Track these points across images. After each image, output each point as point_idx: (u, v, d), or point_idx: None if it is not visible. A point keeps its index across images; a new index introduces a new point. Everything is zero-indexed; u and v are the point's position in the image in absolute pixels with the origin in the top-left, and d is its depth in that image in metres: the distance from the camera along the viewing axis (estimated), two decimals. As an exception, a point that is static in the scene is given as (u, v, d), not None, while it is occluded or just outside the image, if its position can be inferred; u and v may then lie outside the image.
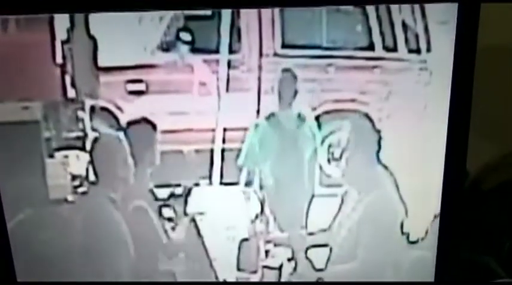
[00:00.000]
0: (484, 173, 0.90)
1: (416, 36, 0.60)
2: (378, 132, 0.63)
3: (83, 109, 0.59)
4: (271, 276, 0.66)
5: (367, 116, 0.62)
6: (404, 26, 0.60)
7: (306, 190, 0.64)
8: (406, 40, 0.60)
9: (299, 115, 0.60)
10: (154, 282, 0.65)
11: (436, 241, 0.67)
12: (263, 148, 0.61)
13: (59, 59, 0.58)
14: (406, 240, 0.66)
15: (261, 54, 0.59)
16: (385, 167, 0.64)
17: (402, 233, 0.66)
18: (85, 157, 0.61)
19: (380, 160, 0.64)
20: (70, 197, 0.62)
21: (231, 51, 0.59)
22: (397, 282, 0.67)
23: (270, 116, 0.60)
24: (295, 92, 0.60)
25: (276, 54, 0.59)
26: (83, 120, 0.60)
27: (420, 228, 0.66)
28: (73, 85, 0.58)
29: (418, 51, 0.61)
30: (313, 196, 0.64)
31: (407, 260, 0.67)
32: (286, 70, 0.59)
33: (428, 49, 0.61)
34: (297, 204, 0.64)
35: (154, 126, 0.60)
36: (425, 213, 0.66)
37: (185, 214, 0.63)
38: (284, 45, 0.59)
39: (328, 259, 0.66)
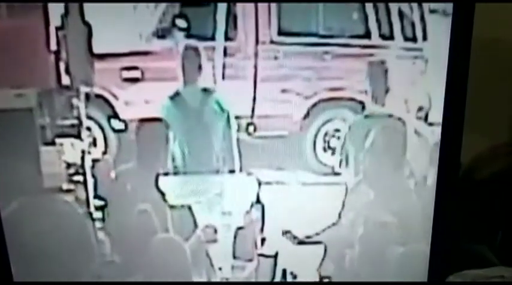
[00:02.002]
0: (476, 164, 0.90)
1: (413, 25, 0.60)
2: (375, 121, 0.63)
3: (77, 96, 0.59)
4: (266, 264, 0.67)
5: (362, 104, 0.62)
6: (400, 14, 0.60)
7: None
8: (403, 28, 0.60)
9: (204, 90, 0.60)
10: (154, 282, 0.65)
11: (431, 230, 0.67)
12: (175, 125, 0.60)
13: (53, 46, 0.57)
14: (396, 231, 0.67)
15: (257, 42, 0.59)
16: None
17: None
18: (80, 145, 0.60)
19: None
20: (65, 186, 0.61)
21: (227, 38, 0.58)
22: (397, 282, 0.68)
23: (175, 95, 0.59)
24: (200, 68, 0.59)
25: (272, 42, 0.59)
26: (77, 108, 0.59)
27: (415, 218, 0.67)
28: (67, 72, 0.58)
29: (414, 39, 0.61)
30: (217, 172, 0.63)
31: (401, 250, 0.67)
32: (189, 47, 0.58)
33: (425, 38, 0.61)
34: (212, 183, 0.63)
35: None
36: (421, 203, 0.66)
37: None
38: (280, 33, 0.59)
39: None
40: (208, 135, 0.60)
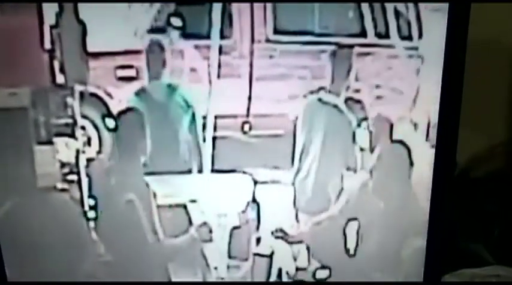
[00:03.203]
0: (472, 163, 0.90)
1: (409, 23, 0.60)
2: (366, 119, 0.63)
3: (72, 95, 0.58)
4: (262, 263, 0.66)
5: (359, 102, 0.62)
6: (396, 12, 0.60)
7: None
8: (398, 27, 0.60)
9: (169, 86, 0.59)
10: (154, 282, 0.65)
11: (427, 229, 0.67)
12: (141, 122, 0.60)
13: (47, 44, 0.57)
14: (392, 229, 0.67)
15: (252, 40, 0.59)
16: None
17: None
18: (74, 144, 0.60)
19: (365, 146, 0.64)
20: (59, 185, 0.61)
21: (223, 36, 0.58)
22: (393, 282, 0.68)
23: (140, 91, 0.59)
24: (164, 63, 0.58)
25: (268, 40, 0.59)
26: (72, 107, 0.59)
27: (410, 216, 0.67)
28: (62, 71, 0.58)
29: (410, 38, 0.61)
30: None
31: (398, 248, 0.67)
32: (153, 42, 0.57)
33: (420, 36, 0.61)
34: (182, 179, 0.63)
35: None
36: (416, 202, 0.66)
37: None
38: (276, 31, 0.59)
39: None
40: (174, 131, 0.60)
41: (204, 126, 0.60)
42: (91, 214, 0.62)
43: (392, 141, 0.64)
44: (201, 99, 0.60)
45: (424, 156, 0.65)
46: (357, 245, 0.67)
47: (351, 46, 0.60)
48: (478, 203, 0.84)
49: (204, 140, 0.61)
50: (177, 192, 0.63)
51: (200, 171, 0.62)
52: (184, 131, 0.60)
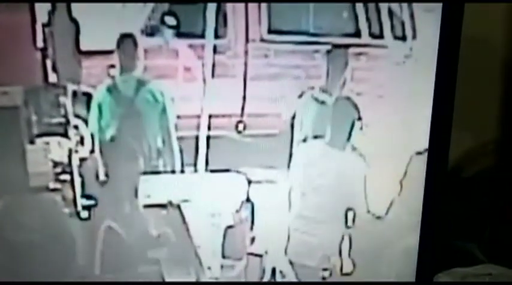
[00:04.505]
0: (464, 161, 0.91)
1: (402, 24, 0.61)
2: (360, 119, 0.63)
3: (64, 94, 0.58)
4: (256, 263, 0.66)
5: (351, 102, 0.62)
6: (390, 13, 0.60)
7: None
8: (392, 27, 0.60)
9: (139, 81, 0.58)
10: (154, 282, 0.64)
11: (419, 228, 0.67)
12: (109, 116, 0.59)
13: (39, 43, 0.56)
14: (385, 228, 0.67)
15: (247, 40, 0.59)
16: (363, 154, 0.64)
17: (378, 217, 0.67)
18: (67, 143, 0.59)
19: (359, 146, 0.64)
20: (51, 185, 0.60)
21: (217, 36, 0.58)
22: (386, 282, 0.68)
23: (111, 86, 0.58)
24: (136, 58, 0.58)
25: (262, 40, 0.59)
26: (64, 106, 0.58)
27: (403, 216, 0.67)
28: (54, 69, 0.57)
29: (403, 38, 0.61)
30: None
31: (390, 248, 0.68)
32: (126, 35, 0.57)
33: (414, 37, 0.61)
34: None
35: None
36: (408, 201, 0.67)
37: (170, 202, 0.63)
38: (271, 31, 0.59)
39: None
40: (143, 127, 0.60)
41: (172, 127, 0.60)
42: (84, 214, 0.62)
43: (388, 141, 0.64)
44: (176, 98, 0.59)
45: (417, 155, 0.65)
46: (350, 247, 0.67)
47: (345, 46, 0.60)
48: (469, 202, 0.84)
49: (179, 138, 0.60)
50: (168, 192, 0.62)
51: (195, 170, 0.62)
52: (156, 129, 0.60)
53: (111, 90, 0.58)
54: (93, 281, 0.63)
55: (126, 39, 0.56)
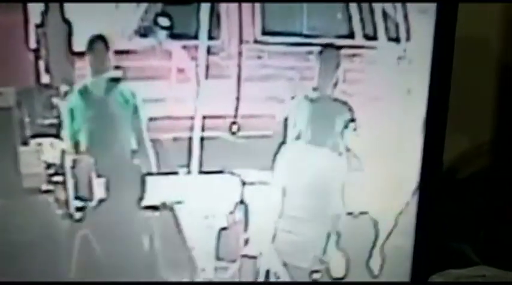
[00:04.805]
0: (459, 163, 0.91)
1: (396, 25, 0.61)
2: (354, 120, 0.63)
3: (57, 95, 0.58)
4: (249, 265, 0.66)
5: (345, 104, 0.62)
6: (384, 14, 0.60)
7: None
8: (386, 28, 0.61)
9: (111, 81, 0.58)
10: (154, 282, 0.64)
11: (414, 229, 0.67)
12: (82, 118, 0.59)
13: (32, 44, 0.56)
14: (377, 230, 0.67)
15: (241, 41, 0.59)
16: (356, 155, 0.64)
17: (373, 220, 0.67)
18: (60, 144, 0.59)
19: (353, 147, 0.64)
20: (44, 186, 0.60)
21: (211, 37, 0.58)
22: (381, 282, 0.68)
23: (83, 88, 0.58)
24: (108, 59, 0.57)
25: (256, 41, 0.59)
26: (57, 107, 0.58)
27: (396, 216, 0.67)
28: (47, 70, 0.57)
29: (397, 39, 0.61)
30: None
31: (385, 248, 0.68)
32: (98, 37, 0.56)
33: (408, 38, 0.61)
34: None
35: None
36: (398, 202, 0.67)
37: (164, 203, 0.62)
38: (264, 32, 0.59)
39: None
40: (116, 129, 0.59)
41: (144, 128, 0.60)
42: (77, 215, 0.61)
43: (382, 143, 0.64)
44: (169, 98, 0.59)
45: (412, 156, 0.65)
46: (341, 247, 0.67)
47: (339, 47, 0.60)
48: (464, 204, 0.84)
49: (151, 141, 0.60)
50: (162, 193, 0.62)
51: (188, 172, 0.62)
52: (128, 130, 0.59)
53: (83, 94, 0.58)
54: (93, 281, 0.63)
55: (97, 40, 0.56)
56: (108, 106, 0.58)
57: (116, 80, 0.58)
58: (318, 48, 0.60)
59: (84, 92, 0.58)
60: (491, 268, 0.74)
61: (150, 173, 0.61)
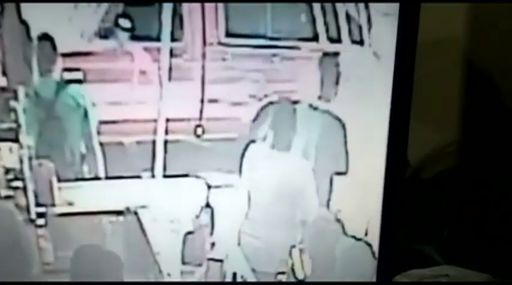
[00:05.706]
0: (423, 162, 0.92)
1: (360, 28, 0.61)
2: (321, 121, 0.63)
3: (15, 98, 0.56)
4: (216, 268, 0.66)
5: (311, 106, 0.62)
6: (348, 16, 0.60)
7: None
8: (350, 31, 0.61)
9: (59, 83, 0.57)
10: (154, 282, 0.63)
11: (379, 230, 0.68)
12: (31, 120, 0.58)
13: (-13, 45, 0.54)
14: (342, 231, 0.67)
15: (204, 43, 0.58)
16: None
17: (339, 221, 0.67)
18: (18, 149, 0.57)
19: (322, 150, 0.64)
20: (3, 192, 0.58)
21: (173, 39, 0.57)
22: (347, 282, 0.68)
23: (30, 89, 0.56)
24: (54, 60, 0.56)
25: (220, 43, 0.58)
26: (15, 110, 0.56)
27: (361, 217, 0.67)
28: (4, 73, 0.55)
29: (361, 42, 0.61)
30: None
31: (349, 249, 0.68)
32: (43, 36, 0.55)
33: (371, 41, 0.62)
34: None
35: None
36: (365, 202, 0.67)
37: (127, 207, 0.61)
38: (228, 34, 0.58)
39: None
40: (65, 132, 0.58)
41: (94, 132, 0.58)
42: (39, 222, 0.60)
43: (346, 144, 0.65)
44: (131, 101, 0.58)
45: (376, 156, 0.66)
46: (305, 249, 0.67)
47: (303, 49, 0.60)
48: (427, 204, 0.85)
49: (100, 144, 0.59)
50: (125, 198, 0.61)
51: (152, 176, 0.61)
52: (78, 134, 0.58)
53: (30, 97, 0.56)
54: (86, 281, 0.62)
55: (44, 40, 0.55)
56: (56, 108, 0.57)
57: (67, 82, 0.56)
58: (283, 52, 0.59)
59: (32, 94, 0.56)
60: (455, 267, 0.75)
61: (98, 178, 0.60)
